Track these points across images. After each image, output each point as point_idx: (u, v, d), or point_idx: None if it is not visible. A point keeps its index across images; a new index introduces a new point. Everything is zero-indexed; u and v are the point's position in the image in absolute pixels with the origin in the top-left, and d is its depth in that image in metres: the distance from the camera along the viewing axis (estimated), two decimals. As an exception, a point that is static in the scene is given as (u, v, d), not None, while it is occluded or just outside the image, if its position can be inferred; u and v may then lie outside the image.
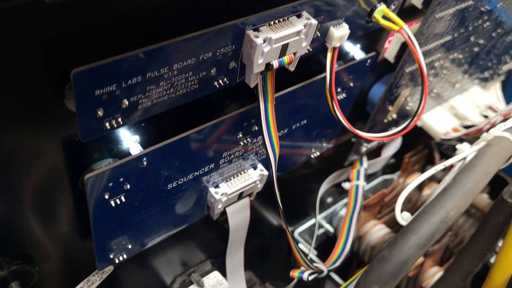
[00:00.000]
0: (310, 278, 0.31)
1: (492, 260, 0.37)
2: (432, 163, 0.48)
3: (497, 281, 0.29)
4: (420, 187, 0.46)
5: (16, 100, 0.18)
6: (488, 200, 0.42)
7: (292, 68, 0.23)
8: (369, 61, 0.29)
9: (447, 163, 0.27)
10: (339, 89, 0.30)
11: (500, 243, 0.29)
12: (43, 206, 0.23)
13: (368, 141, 0.39)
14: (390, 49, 0.33)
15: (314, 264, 0.31)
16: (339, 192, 0.46)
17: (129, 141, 0.23)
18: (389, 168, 0.50)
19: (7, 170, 0.20)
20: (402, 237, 0.22)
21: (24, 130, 0.19)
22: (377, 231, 0.43)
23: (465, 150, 0.27)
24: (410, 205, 0.46)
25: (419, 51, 0.25)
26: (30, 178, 0.21)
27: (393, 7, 0.26)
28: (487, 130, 0.36)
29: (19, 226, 0.23)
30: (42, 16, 0.16)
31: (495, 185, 0.42)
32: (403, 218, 0.26)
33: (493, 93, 0.48)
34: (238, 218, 0.30)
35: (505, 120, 0.37)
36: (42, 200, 0.23)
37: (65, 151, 0.21)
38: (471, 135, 0.40)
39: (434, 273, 0.40)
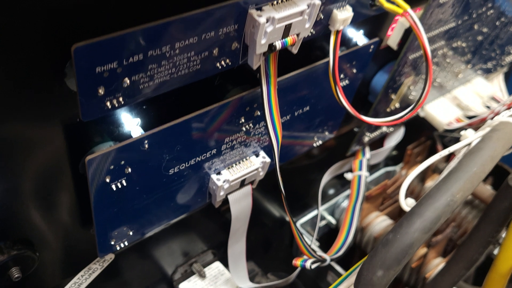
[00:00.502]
0: (313, 266, 0.30)
1: (496, 251, 0.36)
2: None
3: (501, 270, 0.29)
4: (423, 178, 0.46)
5: (15, 79, 0.18)
6: (491, 191, 0.42)
7: (295, 50, 0.23)
8: (372, 46, 0.29)
9: (452, 149, 0.27)
10: (342, 76, 0.30)
11: (503, 234, 0.29)
12: (43, 191, 0.23)
13: (371, 130, 0.39)
14: (393, 36, 0.32)
15: (317, 253, 0.31)
16: (341, 183, 0.45)
17: (130, 124, 0.22)
18: (391, 160, 0.49)
19: (6, 153, 0.20)
20: (407, 221, 0.22)
21: (23, 112, 0.19)
22: (379, 222, 0.43)
23: (470, 136, 0.27)
24: (413, 197, 0.46)
25: (423, 34, 0.24)
26: (30, 162, 0.21)
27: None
28: (491, 119, 0.36)
29: (19, 211, 0.22)
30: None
31: (498, 176, 0.42)
32: (407, 204, 0.26)
33: (496, 85, 0.48)
34: (240, 205, 0.30)
35: (509, 109, 0.37)
36: (43, 184, 0.22)
37: (65, 134, 0.21)
38: (475, 125, 0.40)
39: (437, 264, 0.40)
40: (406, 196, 0.26)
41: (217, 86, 0.25)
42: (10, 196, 0.21)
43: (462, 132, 0.28)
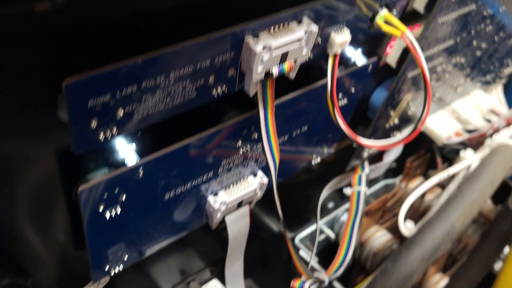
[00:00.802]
0: (311, 288, 0.30)
1: (496, 266, 0.36)
2: (434, 167, 0.48)
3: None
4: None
5: (7, 109, 0.18)
6: (491, 206, 0.41)
7: (292, 75, 0.22)
8: (370, 66, 0.29)
9: (451, 171, 0.26)
10: (340, 95, 0.29)
11: (506, 251, 0.29)
12: (36, 218, 0.22)
13: (370, 146, 0.38)
14: (391, 54, 0.32)
15: (316, 273, 0.30)
16: (340, 197, 0.45)
17: (125, 150, 0.22)
18: (391, 173, 0.49)
19: (-1, 181, 0.20)
20: (406, 249, 0.21)
21: (16, 140, 0.19)
22: (379, 237, 0.42)
23: (469, 158, 0.27)
24: (412, 211, 0.46)
25: (421, 57, 0.24)
26: (22, 189, 0.21)
27: (395, 12, 0.26)
28: (491, 135, 0.36)
29: (11, 237, 0.22)
30: (33, 26, 0.15)
31: (498, 190, 0.41)
32: (407, 227, 0.25)
33: (495, 96, 0.48)
34: (238, 227, 0.29)
35: (508, 125, 0.37)
36: (36, 211, 0.22)
37: (58, 162, 0.21)
38: (474, 140, 0.39)
39: (438, 280, 0.39)
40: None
41: (214, 110, 0.24)
42: (2, 222, 0.21)
43: (462, 153, 0.28)
